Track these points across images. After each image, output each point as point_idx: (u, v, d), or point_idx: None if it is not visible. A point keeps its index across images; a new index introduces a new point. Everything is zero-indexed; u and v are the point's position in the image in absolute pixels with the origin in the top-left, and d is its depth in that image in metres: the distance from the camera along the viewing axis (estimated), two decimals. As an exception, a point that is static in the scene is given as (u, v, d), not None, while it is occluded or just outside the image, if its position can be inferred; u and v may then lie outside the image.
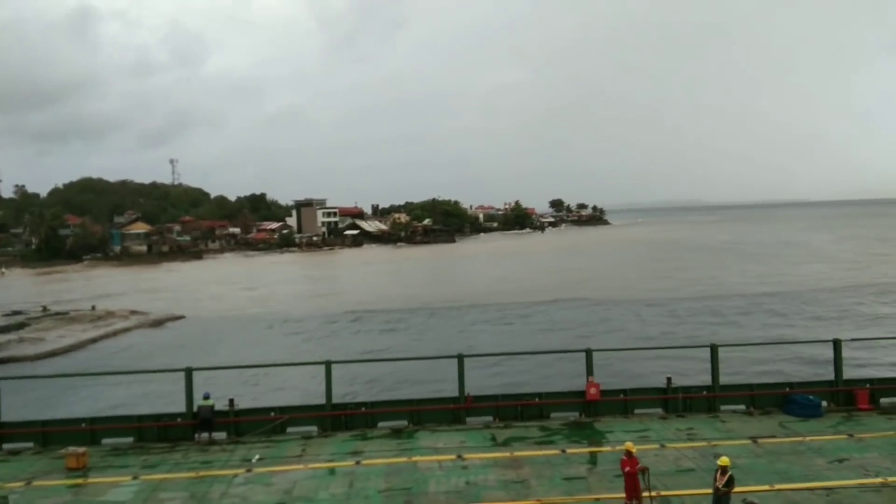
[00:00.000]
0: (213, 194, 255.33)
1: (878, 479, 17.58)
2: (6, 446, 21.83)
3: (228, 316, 72.04)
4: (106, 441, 22.07)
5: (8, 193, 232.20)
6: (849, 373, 25.40)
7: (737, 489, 16.73)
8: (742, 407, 24.01)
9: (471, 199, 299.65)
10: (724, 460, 15.03)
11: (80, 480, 18.82)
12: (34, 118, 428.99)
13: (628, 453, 15.64)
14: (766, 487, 17.23)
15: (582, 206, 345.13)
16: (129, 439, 22.17)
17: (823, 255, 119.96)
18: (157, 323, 68.16)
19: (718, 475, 14.81)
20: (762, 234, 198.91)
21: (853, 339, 30.99)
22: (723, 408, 23.87)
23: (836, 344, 24.63)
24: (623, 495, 15.61)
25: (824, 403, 23.61)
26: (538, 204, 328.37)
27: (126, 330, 63.85)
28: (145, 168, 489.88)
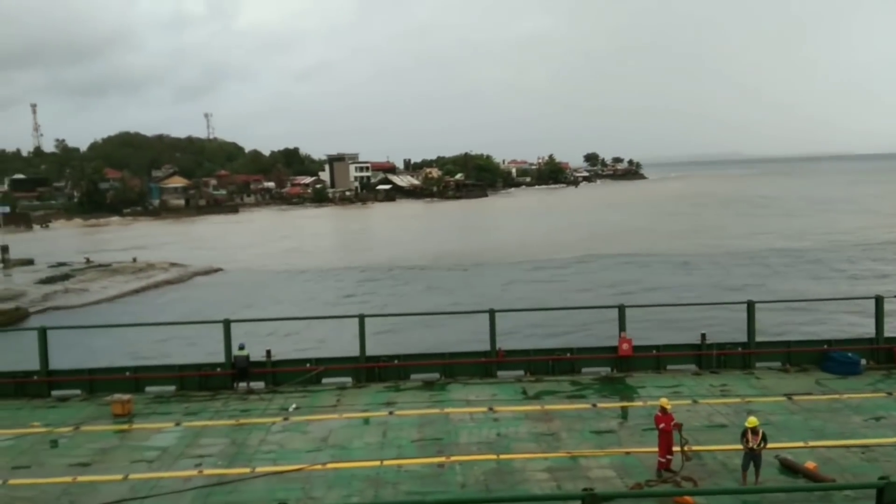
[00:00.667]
0: (247, 149, 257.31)
1: (917, 438, 17.29)
2: (55, 393, 22.74)
3: (265, 269, 73.29)
4: (149, 389, 22.81)
5: (49, 147, 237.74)
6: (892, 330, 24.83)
7: (771, 445, 16.73)
8: (778, 364, 23.71)
9: (503, 154, 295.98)
10: (752, 421, 14.78)
11: (125, 426, 19.54)
12: (72, 72, 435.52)
13: (663, 409, 15.57)
14: (801, 444, 17.08)
15: (618, 160, 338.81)
16: (172, 388, 22.89)
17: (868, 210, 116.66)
18: (197, 275, 69.77)
19: (750, 436, 14.62)
20: (804, 188, 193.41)
21: (896, 297, 30.14)
22: (758, 365, 23.60)
23: (879, 301, 23.98)
24: (656, 450, 15.65)
25: (863, 361, 23.15)
26: (573, 158, 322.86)
27: (167, 282, 65.51)
28: (181, 122, 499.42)
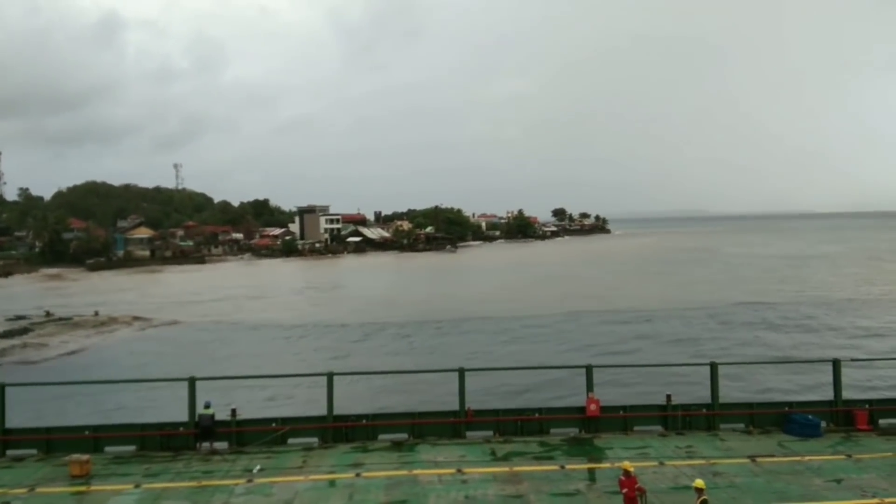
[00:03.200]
0: (217, 199, 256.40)
1: (875, 500, 17.68)
2: (10, 452, 21.99)
3: (229, 322, 72.23)
4: (109, 449, 22.22)
5: (12, 196, 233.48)
6: (849, 393, 25.51)
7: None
8: (741, 425, 24.11)
9: (474, 208, 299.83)
10: (698, 483, 15.20)
11: (83, 488, 18.98)
12: (52, 122, 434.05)
13: (626, 473, 15.75)
14: (764, 507, 17.34)
15: (584, 216, 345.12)
16: (132, 447, 22.33)
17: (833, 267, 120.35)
18: (160, 327, 68.42)
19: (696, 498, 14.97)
20: (775, 245, 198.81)
21: (853, 360, 31.08)
22: (722, 426, 23.97)
23: (836, 364, 24.75)
24: (621, 513, 15.75)
25: (823, 423, 23.71)
26: (541, 213, 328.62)
27: (127, 336, 64.09)
28: (155, 172, 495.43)
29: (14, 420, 22.94)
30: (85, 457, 20.20)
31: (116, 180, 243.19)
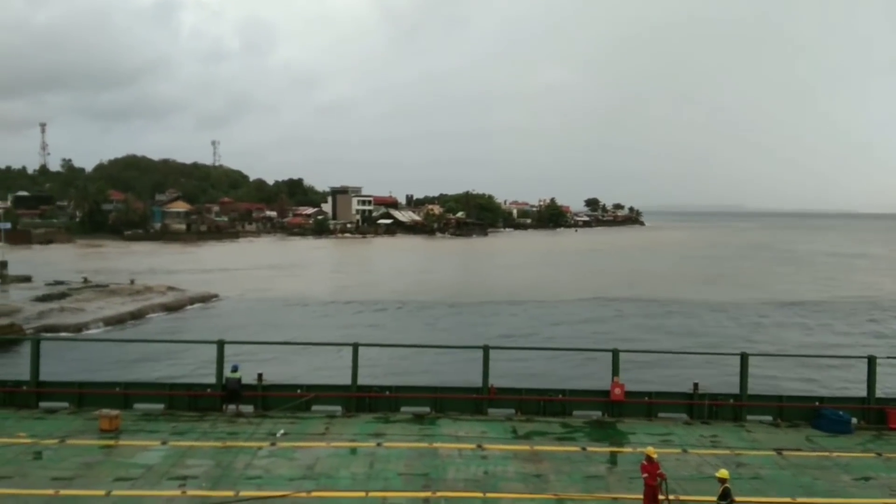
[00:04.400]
0: (253, 177, 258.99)
1: (905, 499, 17.22)
2: (43, 404, 22.66)
3: (262, 297, 73.21)
4: (138, 406, 22.76)
5: (55, 167, 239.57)
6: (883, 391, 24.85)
7: (759, 499, 16.65)
8: (769, 418, 23.66)
9: (507, 195, 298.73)
10: (722, 473, 14.90)
11: (111, 442, 19.46)
12: (102, 97, 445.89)
13: (649, 458, 15.55)
14: (788, 500, 17.02)
15: (618, 207, 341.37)
16: (160, 406, 22.83)
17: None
18: (193, 300, 69.61)
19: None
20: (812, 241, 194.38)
21: (889, 357, 30.21)
22: (749, 418, 23.56)
23: (871, 361, 24.09)
24: (642, 498, 15.57)
25: (854, 420, 23.14)
26: (574, 202, 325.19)
27: (162, 304, 65.36)
28: (196, 149, 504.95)
29: (48, 374, 23.61)
30: (115, 412, 20.70)
31: (158, 155, 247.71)
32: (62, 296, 64.66)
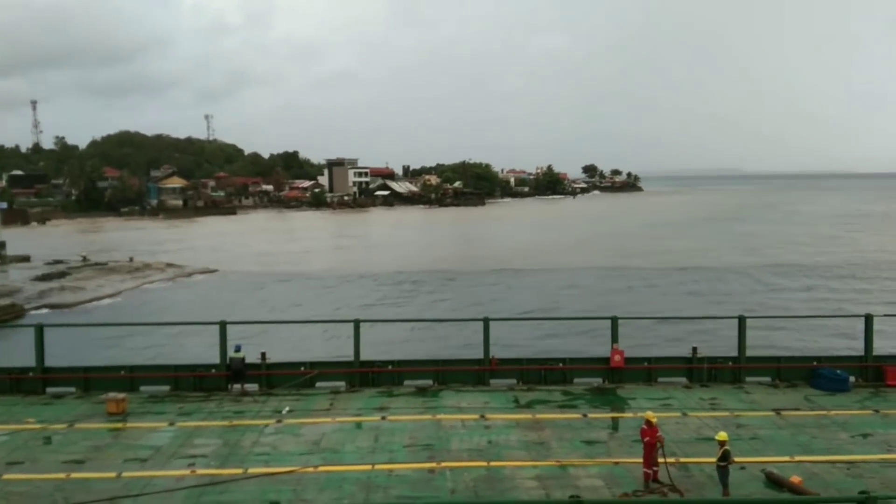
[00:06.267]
0: (255, 152, 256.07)
1: (901, 456, 17.51)
2: (50, 390, 22.85)
3: (260, 272, 73.35)
4: (144, 388, 22.93)
5: (48, 145, 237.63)
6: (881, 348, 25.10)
7: (758, 459, 16.94)
8: (768, 379, 23.94)
9: (504, 163, 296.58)
10: (721, 435, 15.19)
11: (119, 425, 19.67)
12: (102, 74, 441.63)
13: (648, 423, 15.78)
14: (787, 459, 17.28)
15: (616, 173, 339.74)
16: (166, 387, 23.02)
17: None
18: (193, 275, 69.82)
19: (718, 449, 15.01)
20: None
21: (886, 315, 30.44)
22: (748, 379, 23.83)
23: (868, 319, 24.27)
24: (641, 461, 15.86)
25: (852, 378, 23.40)
26: (572, 169, 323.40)
27: (162, 281, 65.59)
28: (193, 124, 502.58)
29: (53, 360, 23.75)
30: (121, 395, 20.87)
31: (156, 131, 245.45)
32: (62, 275, 64.87)
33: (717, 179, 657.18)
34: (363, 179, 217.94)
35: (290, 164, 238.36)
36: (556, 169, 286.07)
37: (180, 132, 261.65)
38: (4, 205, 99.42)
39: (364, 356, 23.63)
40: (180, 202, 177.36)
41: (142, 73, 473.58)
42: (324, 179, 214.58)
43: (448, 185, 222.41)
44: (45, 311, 52.49)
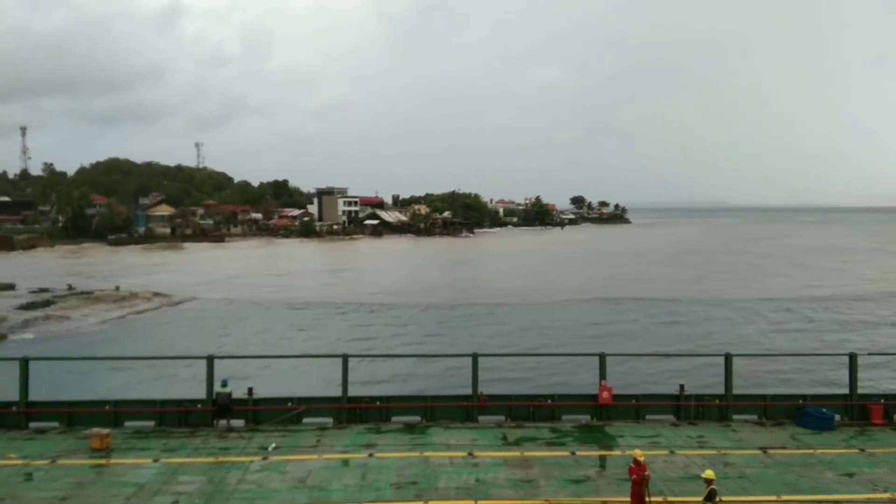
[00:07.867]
0: (244, 180, 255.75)
1: (887, 495, 17.63)
2: (33, 425, 22.56)
3: (248, 300, 72.93)
4: (129, 423, 22.71)
5: (36, 171, 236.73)
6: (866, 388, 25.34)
7: (745, 498, 16.99)
8: (754, 417, 24.07)
9: (492, 194, 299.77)
10: (707, 473, 15.27)
11: (103, 461, 19.45)
12: (97, 102, 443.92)
13: (636, 461, 15.86)
14: (773, 498, 17.38)
15: (604, 204, 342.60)
16: (151, 423, 22.80)
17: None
18: (178, 304, 69.31)
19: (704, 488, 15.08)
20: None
21: (870, 354, 30.81)
22: (735, 417, 23.95)
23: (852, 358, 24.57)
24: (629, 500, 15.88)
25: (837, 417, 23.59)
26: (560, 200, 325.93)
27: (149, 310, 65.05)
28: (185, 152, 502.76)
29: (37, 393, 23.48)
30: (105, 430, 20.67)
31: (146, 159, 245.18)
32: (47, 303, 64.18)
33: (703, 212, 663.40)
34: (352, 208, 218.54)
35: (280, 193, 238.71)
36: (545, 199, 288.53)
37: (171, 160, 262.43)
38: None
39: (351, 392, 23.56)
40: (168, 230, 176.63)
41: (137, 101, 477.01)
42: (313, 208, 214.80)
43: (437, 215, 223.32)
44: (28, 335, 52.08)
